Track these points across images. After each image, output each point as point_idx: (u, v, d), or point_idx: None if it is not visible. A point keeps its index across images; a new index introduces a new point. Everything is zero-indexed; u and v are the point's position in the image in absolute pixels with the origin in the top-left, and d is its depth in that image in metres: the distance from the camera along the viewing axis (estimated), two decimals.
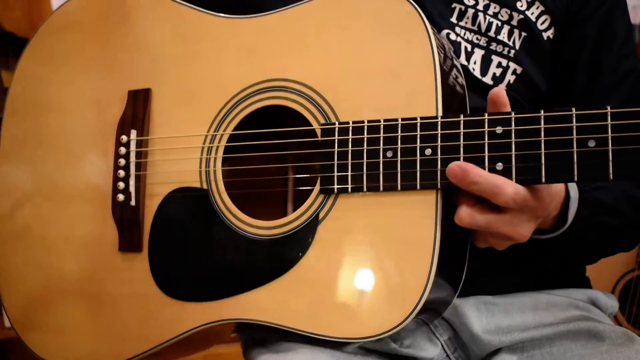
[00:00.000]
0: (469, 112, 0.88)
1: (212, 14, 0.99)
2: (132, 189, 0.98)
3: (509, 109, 0.80)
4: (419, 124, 0.81)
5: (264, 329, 0.97)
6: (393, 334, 0.81)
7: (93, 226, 1.02)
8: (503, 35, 0.97)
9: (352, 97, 0.87)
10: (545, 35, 0.97)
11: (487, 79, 0.97)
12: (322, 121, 0.87)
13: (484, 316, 0.97)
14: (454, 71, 0.87)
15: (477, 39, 0.97)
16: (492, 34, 0.97)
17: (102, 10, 1.07)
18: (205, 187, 0.94)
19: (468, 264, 0.88)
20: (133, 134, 0.99)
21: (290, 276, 0.87)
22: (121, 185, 0.99)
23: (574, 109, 0.74)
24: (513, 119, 0.76)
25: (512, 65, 0.97)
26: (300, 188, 0.96)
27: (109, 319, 0.99)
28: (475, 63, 0.97)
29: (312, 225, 0.86)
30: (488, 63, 0.97)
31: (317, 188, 0.87)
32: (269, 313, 0.88)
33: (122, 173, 0.99)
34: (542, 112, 0.75)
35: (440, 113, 0.81)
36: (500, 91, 0.81)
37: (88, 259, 1.02)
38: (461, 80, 0.88)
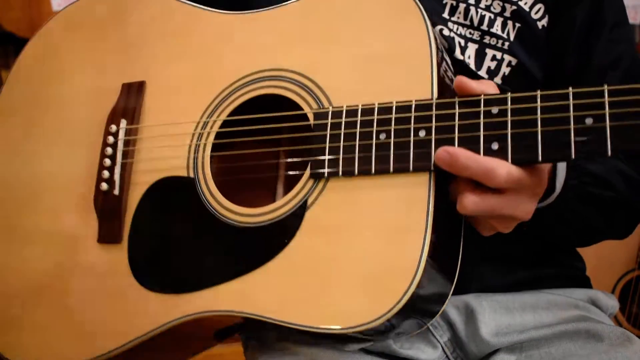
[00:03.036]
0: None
1: (206, 9, 0.99)
2: (116, 177, 0.95)
3: (477, 91, 0.77)
4: (413, 106, 0.79)
5: (262, 328, 0.93)
6: (383, 322, 0.75)
7: (73, 218, 0.98)
8: (496, 28, 0.97)
9: (346, 84, 0.86)
10: (539, 24, 0.97)
11: (482, 73, 0.96)
12: (315, 107, 0.86)
13: (491, 315, 0.94)
14: (444, 64, 0.86)
15: (470, 33, 0.97)
16: (485, 27, 0.96)
17: (100, 12, 1.08)
18: (192, 175, 0.91)
19: (471, 263, 0.85)
20: (123, 122, 0.98)
21: (273, 264, 0.82)
22: (106, 174, 0.96)
23: (570, 88, 0.73)
24: (509, 98, 0.75)
25: (507, 58, 0.96)
26: (291, 173, 0.94)
27: (84, 314, 0.93)
28: (469, 58, 0.96)
29: (299, 211, 0.83)
30: (482, 57, 0.96)
31: (307, 173, 0.84)
32: (248, 304, 0.82)
33: (107, 162, 0.96)
34: (539, 91, 0.74)
35: (435, 97, 0.80)
36: (461, 78, 0.77)
37: (64, 253, 0.97)
38: (450, 74, 0.87)
